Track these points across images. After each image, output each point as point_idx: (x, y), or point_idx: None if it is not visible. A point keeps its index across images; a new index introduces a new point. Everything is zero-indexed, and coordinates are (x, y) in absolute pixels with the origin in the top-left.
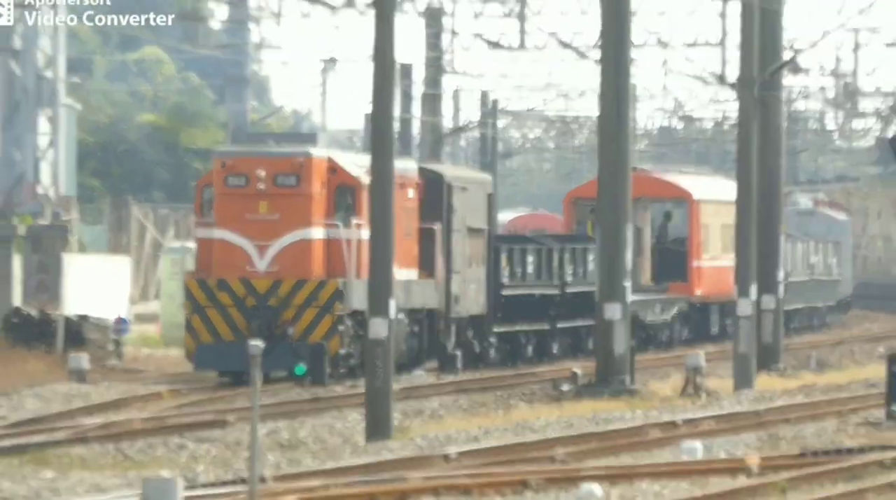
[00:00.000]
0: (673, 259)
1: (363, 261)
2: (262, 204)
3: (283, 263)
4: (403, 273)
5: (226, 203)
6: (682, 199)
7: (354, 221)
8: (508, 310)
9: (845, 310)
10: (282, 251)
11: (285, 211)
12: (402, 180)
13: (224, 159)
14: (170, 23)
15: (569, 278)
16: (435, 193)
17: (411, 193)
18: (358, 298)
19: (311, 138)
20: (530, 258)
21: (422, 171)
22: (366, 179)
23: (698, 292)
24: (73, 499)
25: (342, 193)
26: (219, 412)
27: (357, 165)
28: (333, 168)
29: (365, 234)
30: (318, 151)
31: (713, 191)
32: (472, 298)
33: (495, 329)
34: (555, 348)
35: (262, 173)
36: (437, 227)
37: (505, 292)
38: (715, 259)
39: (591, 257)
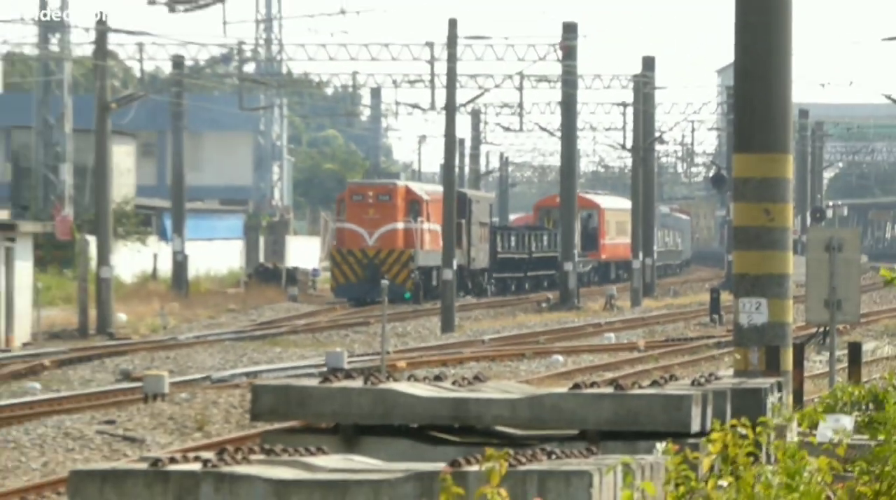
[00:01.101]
0: (590, 239)
1: (424, 240)
2: (370, 210)
3: (382, 241)
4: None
5: (352, 209)
6: (596, 208)
7: (420, 219)
8: (501, 265)
9: (687, 266)
10: (381, 235)
11: (383, 214)
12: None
13: (352, 186)
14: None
15: (534, 249)
16: (462, 204)
17: None
18: (422, 259)
19: (397, 176)
20: (513, 238)
21: (457, 191)
22: (426, 197)
23: (603, 256)
24: (289, 363)
25: (412, 205)
26: (364, 317)
27: (421, 189)
28: (408, 191)
29: (426, 226)
30: (400, 182)
31: (612, 203)
32: (481, 259)
33: (494, 276)
34: (526, 287)
35: (371, 193)
36: (463, 221)
37: (499, 256)
38: (612, 239)
39: (545, 238)
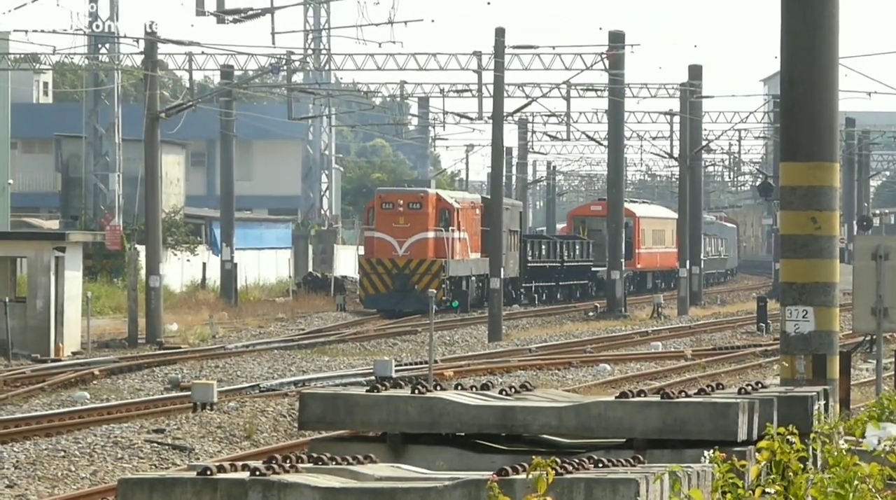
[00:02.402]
0: (627, 248)
1: (455, 250)
2: (401, 218)
3: (413, 250)
4: (475, 255)
5: (382, 218)
6: (630, 216)
7: (451, 228)
8: (531, 274)
9: (733, 275)
10: (412, 244)
11: (413, 222)
12: (474, 205)
13: (381, 194)
14: (387, 126)
15: (566, 257)
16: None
17: (478, 211)
18: (453, 269)
19: (427, 184)
20: (543, 247)
21: (483, 199)
22: (456, 205)
23: (639, 265)
24: (337, 371)
25: (443, 213)
26: (412, 326)
27: (451, 197)
28: (439, 199)
29: (456, 235)
30: (431, 190)
31: (649, 211)
32: (511, 267)
33: (524, 285)
34: (558, 296)
35: (401, 201)
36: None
37: (529, 264)
38: (648, 248)
39: (577, 247)
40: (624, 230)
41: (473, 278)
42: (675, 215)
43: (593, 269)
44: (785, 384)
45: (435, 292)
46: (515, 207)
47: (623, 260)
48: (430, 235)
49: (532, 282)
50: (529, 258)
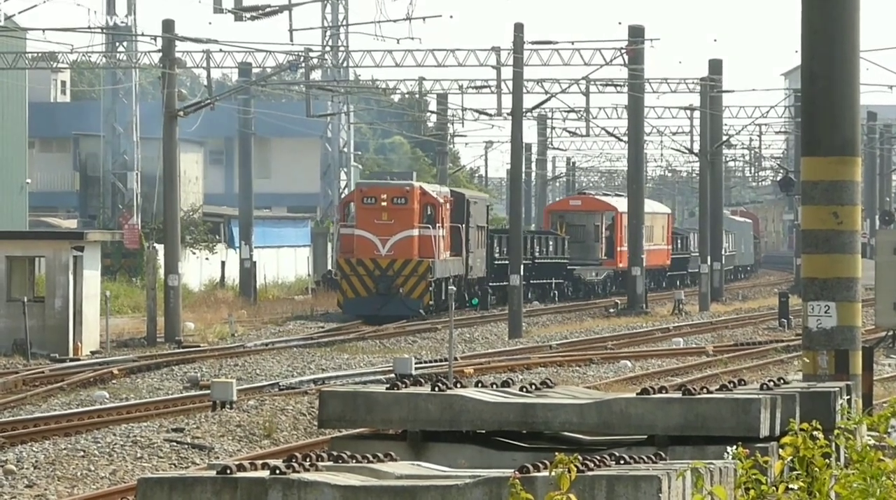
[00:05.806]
0: (607, 246)
1: (441, 249)
2: (384, 214)
3: (397, 249)
4: (446, 254)
5: (363, 214)
6: (612, 211)
7: (437, 225)
8: (499, 273)
9: (748, 271)
10: (395, 242)
11: (397, 219)
12: (446, 199)
13: (362, 187)
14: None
15: (537, 254)
16: (460, 206)
17: (448, 206)
18: (440, 270)
19: (410, 176)
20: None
21: (452, 193)
22: (440, 200)
23: (620, 264)
24: (355, 369)
25: (426, 208)
26: (432, 324)
27: (435, 191)
28: (423, 193)
29: (441, 232)
30: (415, 184)
31: None
32: (478, 266)
33: (491, 284)
34: (529, 295)
35: (384, 196)
36: (462, 226)
37: (497, 262)
38: None
39: (551, 244)
40: (603, 227)
41: (450, 280)
42: (667, 210)
43: (569, 267)
44: (807, 380)
45: (454, 289)
46: (483, 200)
47: (604, 258)
48: (415, 232)
49: (499, 281)
50: (497, 256)
